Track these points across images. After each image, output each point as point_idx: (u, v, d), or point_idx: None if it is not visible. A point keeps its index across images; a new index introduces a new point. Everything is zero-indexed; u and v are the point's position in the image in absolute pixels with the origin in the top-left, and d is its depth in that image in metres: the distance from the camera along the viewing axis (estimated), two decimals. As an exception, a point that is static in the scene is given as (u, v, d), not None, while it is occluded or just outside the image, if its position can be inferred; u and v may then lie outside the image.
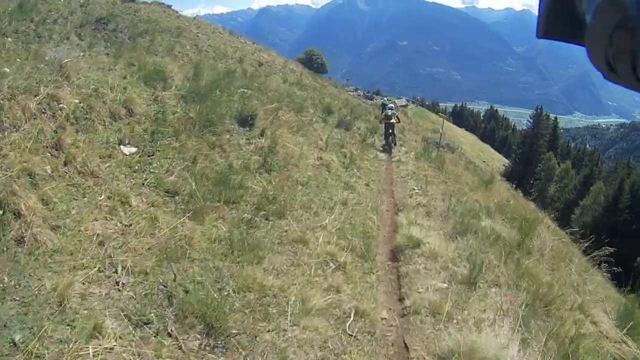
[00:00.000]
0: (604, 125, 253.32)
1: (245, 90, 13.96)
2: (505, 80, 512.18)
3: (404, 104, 67.51)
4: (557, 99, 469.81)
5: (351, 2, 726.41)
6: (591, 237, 11.14)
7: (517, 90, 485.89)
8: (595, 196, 46.17)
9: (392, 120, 21.75)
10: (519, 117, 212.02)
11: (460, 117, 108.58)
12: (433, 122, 55.82)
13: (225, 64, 20.49)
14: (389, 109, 23.10)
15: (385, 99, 31.65)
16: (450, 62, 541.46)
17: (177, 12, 32.40)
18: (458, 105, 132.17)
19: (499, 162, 66.97)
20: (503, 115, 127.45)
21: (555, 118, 74.76)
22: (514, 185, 36.76)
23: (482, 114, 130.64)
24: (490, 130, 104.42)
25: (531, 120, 66.27)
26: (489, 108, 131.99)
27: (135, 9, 25.96)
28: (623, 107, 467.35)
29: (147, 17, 25.05)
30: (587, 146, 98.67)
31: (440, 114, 19.96)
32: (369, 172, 14.57)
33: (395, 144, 21.86)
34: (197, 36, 25.66)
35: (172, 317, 4.52)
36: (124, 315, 4.33)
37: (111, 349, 3.90)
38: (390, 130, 21.56)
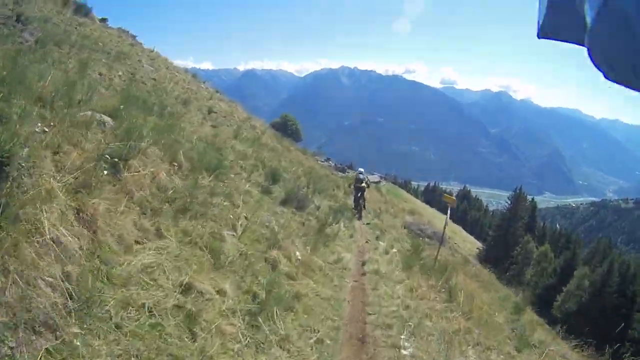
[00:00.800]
0: (573, 205, 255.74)
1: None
2: (477, 161, 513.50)
3: (376, 180, 65.05)
4: (529, 179, 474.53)
5: (334, 74, 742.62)
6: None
7: (489, 171, 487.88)
8: (579, 281, 43.84)
9: (363, 185, 22.77)
10: (490, 198, 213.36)
11: (432, 196, 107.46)
12: (406, 201, 54.31)
13: (157, 99, 14.72)
14: (359, 173, 24.00)
15: (361, 169, 29.70)
16: (425, 140, 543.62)
17: (137, 40, 27.02)
18: (430, 184, 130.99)
19: (471, 244, 64.82)
20: (475, 196, 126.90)
21: (533, 199, 74.32)
22: (489, 269, 34.74)
23: (454, 194, 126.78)
24: (463, 211, 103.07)
25: (508, 201, 64.94)
26: (462, 188, 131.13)
27: (81, 23, 20.34)
28: (594, 185, 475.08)
29: (89, 33, 19.12)
30: (557, 225, 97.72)
31: (446, 195, 18.28)
32: (318, 306, 7.83)
33: (364, 208, 23.17)
34: (142, 66, 20.48)
35: None
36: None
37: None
38: (360, 194, 22.54)
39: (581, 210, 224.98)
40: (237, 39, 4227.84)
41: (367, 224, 20.85)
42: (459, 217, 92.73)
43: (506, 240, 58.14)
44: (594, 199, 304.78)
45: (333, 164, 61.05)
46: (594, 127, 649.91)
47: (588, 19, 0.74)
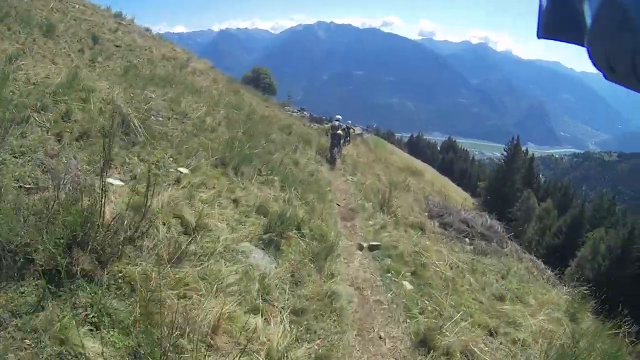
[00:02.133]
0: (557, 156, 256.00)
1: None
2: (458, 112, 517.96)
3: (358, 132, 59.26)
4: (511, 129, 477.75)
5: (310, 29, 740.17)
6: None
7: (470, 122, 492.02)
8: (594, 246, 38.15)
9: (339, 131, 22.07)
10: (473, 149, 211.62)
11: (416, 148, 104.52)
12: (391, 153, 49.67)
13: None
14: (336, 120, 23.32)
15: (338, 116, 24.99)
16: (405, 92, 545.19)
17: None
18: (414, 135, 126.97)
19: (459, 196, 60.13)
20: (461, 147, 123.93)
21: (530, 153, 68.18)
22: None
23: (438, 146, 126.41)
24: (449, 162, 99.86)
25: (504, 153, 59.86)
26: (446, 139, 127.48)
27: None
28: (577, 138, 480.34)
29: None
30: (542, 176, 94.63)
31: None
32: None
33: (339, 156, 22.26)
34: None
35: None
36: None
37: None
38: (336, 141, 21.74)
39: (564, 162, 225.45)
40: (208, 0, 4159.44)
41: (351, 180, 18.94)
42: (445, 169, 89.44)
43: (503, 194, 53.61)
44: (576, 150, 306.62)
45: (307, 115, 55.03)
46: (574, 80, 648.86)
47: (588, 19, 0.76)
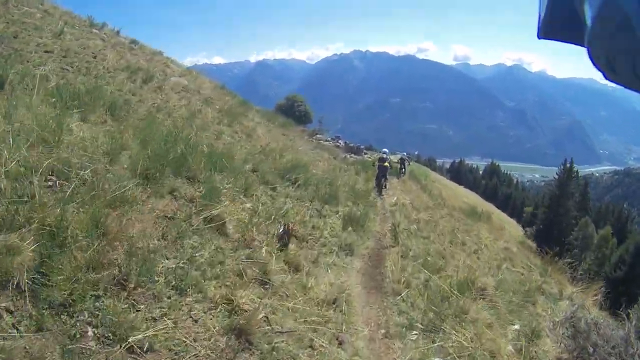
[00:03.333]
0: (597, 174, 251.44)
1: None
2: (496, 135, 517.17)
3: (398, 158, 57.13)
4: (548, 150, 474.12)
5: (345, 58, 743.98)
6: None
7: (508, 144, 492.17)
8: None
9: (385, 164, 22.75)
10: (513, 171, 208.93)
11: (458, 174, 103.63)
12: (433, 181, 48.63)
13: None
14: (383, 153, 24.20)
15: (385, 150, 26.20)
16: (442, 118, 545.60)
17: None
18: (455, 161, 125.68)
19: (506, 224, 58.51)
20: (505, 171, 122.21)
21: (577, 171, 60.98)
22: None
23: (481, 170, 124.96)
24: (492, 187, 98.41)
25: (558, 175, 56.68)
26: (489, 163, 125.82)
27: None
28: (615, 154, 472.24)
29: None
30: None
31: None
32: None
33: (386, 187, 23.07)
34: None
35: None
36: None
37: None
38: (383, 173, 22.60)
39: (605, 180, 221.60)
40: (246, 31, 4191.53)
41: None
42: (489, 195, 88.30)
43: (557, 222, 50.96)
44: (616, 167, 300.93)
45: (342, 144, 50.23)
46: (610, 96, 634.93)
47: (588, 19, 0.75)
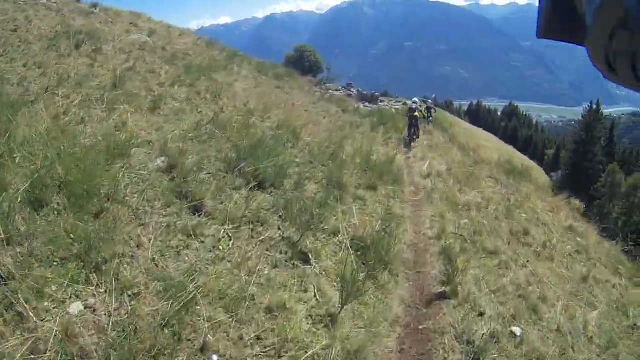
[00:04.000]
0: (615, 115, 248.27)
1: None
2: (513, 76, 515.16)
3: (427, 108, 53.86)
4: (566, 91, 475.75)
5: (355, 5, 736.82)
6: None
7: (526, 85, 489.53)
8: None
9: (416, 114, 22.66)
10: (531, 112, 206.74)
11: (476, 116, 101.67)
12: (451, 124, 46.38)
13: None
14: (413, 103, 24.44)
15: (415, 99, 27.22)
16: (457, 60, 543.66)
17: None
18: (473, 103, 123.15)
19: (531, 169, 55.83)
20: (524, 112, 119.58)
21: (602, 113, 58.14)
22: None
23: (499, 112, 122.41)
24: (512, 129, 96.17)
25: (584, 117, 54.22)
26: (507, 105, 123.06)
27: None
28: (634, 95, 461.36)
29: None
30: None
31: None
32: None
33: (417, 137, 22.69)
34: None
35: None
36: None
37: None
38: (414, 122, 22.50)
39: (623, 121, 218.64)
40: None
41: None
42: (508, 136, 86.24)
43: (584, 168, 49.03)
44: (634, 108, 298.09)
45: (355, 92, 47.60)
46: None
47: (588, 19, 0.76)
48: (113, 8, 21.53)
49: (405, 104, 44.34)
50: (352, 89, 47.75)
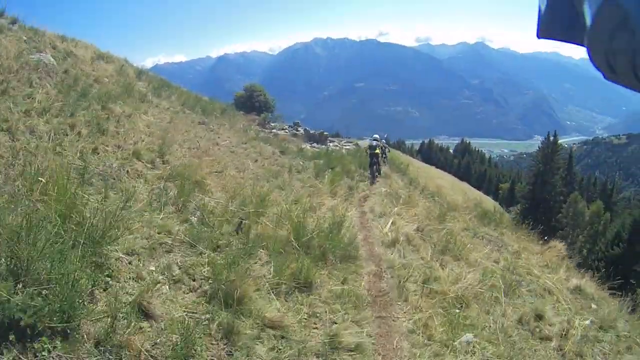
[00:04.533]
0: (565, 145, 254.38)
1: None
2: (462, 114, 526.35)
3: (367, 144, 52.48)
4: (516, 125, 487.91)
5: (307, 47, 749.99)
6: None
7: (475, 122, 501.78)
8: None
9: (377, 151, 22.15)
10: (482, 148, 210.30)
11: (428, 155, 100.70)
12: (407, 165, 44.96)
13: None
14: (373, 140, 23.67)
15: (375, 136, 24.26)
16: (408, 100, 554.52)
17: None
18: (425, 142, 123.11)
19: (485, 204, 54.62)
20: (476, 148, 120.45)
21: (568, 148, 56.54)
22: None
23: (451, 149, 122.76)
24: (465, 165, 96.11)
25: (541, 149, 52.35)
26: (460, 142, 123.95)
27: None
28: (583, 125, 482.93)
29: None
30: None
31: None
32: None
33: (379, 174, 22.35)
34: None
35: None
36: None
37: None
38: (375, 160, 21.95)
39: (574, 150, 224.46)
40: (205, 27, 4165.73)
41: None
42: (462, 173, 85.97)
43: (543, 200, 47.53)
44: (584, 137, 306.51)
45: (302, 132, 43.24)
46: (574, 68, 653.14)
47: (588, 19, 0.76)
48: (35, 28, 18.88)
49: (357, 144, 44.69)
50: (300, 128, 44.44)
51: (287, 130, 40.54)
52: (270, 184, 12.37)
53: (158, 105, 17.12)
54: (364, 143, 44.97)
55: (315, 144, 37.87)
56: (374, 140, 23.69)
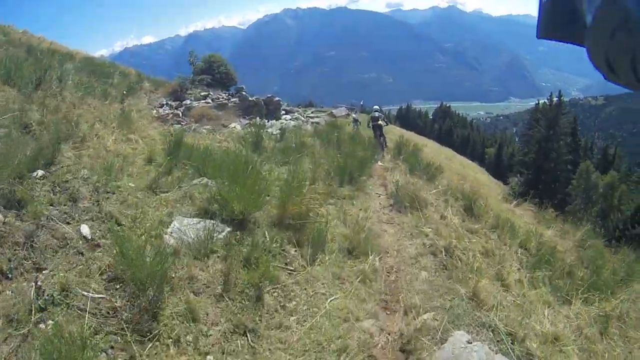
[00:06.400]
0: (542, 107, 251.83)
1: None
2: (437, 77, 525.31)
3: (343, 113, 44.32)
4: (491, 87, 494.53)
5: (277, 19, 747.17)
6: None
7: (450, 85, 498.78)
8: None
9: (380, 122, 22.15)
10: (461, 111, 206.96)
11: (407, 120, 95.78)
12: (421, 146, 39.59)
13: None
14: (375, 112, 23.42)
15: (375, 107, 24.86)
16: (381, 66, 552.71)
17: None
18: (403, 107, 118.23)
19: (472, 170, 48.73)
20: (457, 112, 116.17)
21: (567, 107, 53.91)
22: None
23: (430, 114, 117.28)
24: (447, 130, 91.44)
25: (542, 113, 46.08)
26: (439, 106, 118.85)
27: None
28: (558, 87, 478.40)
29: None
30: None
31: None
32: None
33: (386, 145, 21.35)
34: None
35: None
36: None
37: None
38: (379, 132, 21.83)
39: None
40: (172, 5, 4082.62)
41: None
42: (443, 138, 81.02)
43: (548, 170, 41.32)
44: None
45: (236, 101, 31.22)
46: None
47: (588, 19, 0.76)
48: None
49: (331, 113, 41.49)
50: (235, 97, 33.00)
51: (212, 100, 29.55)
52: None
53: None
54: (339, 112, 40.51)
55: (259, 119, 26.52)
56: (376, 111, 23.59)
